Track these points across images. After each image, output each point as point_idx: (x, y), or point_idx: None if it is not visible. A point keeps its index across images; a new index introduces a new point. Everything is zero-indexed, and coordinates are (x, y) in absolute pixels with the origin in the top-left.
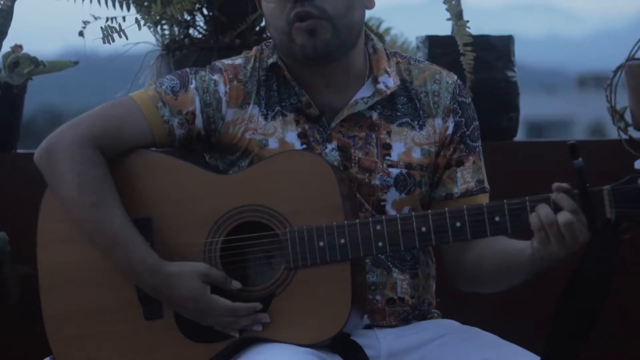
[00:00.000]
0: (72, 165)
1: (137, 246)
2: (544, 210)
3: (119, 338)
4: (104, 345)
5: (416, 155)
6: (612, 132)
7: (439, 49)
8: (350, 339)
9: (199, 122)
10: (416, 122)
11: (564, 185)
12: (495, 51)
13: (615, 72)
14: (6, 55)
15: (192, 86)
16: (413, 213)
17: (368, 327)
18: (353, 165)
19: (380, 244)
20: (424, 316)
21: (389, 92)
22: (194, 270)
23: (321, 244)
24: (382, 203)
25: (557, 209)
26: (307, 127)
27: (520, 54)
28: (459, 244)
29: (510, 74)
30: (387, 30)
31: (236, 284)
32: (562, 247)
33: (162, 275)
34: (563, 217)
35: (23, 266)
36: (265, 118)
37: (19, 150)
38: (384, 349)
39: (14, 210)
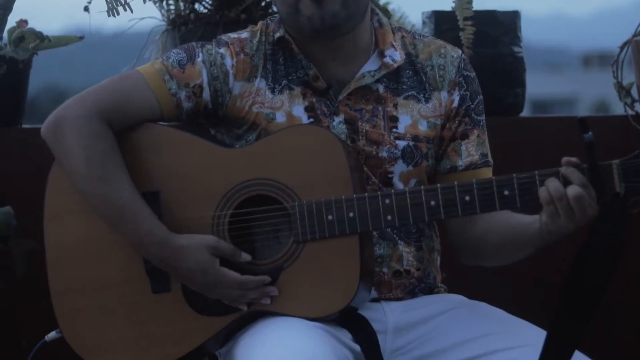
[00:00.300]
0: (79, 138)
1: (145, 218)
2: (553, 183)
3: (126, 311)
4: (111, 319)
5: (422, 127)
6: (618, 111)
7: (445, 25)
8: (357, 313)
9: (206, 94)
10: (422, 95)
11: (573, 159)
12: (502, 26)
13: (622, 48)
14: (11, 30)
15: (199, 59)
16: (422, 187)
17: (375, 300)
18: (360, 137)
19: (389, 217)
20: (430, 290)
21: (395, 65)
22: (203, 242)
23: (330, 217)
24: (390, 175)
25: (566, 182)
26: (314, 100)
27: (525, 32)
28: (465, 217)
29: (516, 49)
30: (386, 4)
31: (245, 257)
32: (570, 221)
33: (171, 248)
34: (572, 190)
35: (28, 241)
36: (272, 92)
37: (24, 126)
38: (390, 322)
39: (20, 185)
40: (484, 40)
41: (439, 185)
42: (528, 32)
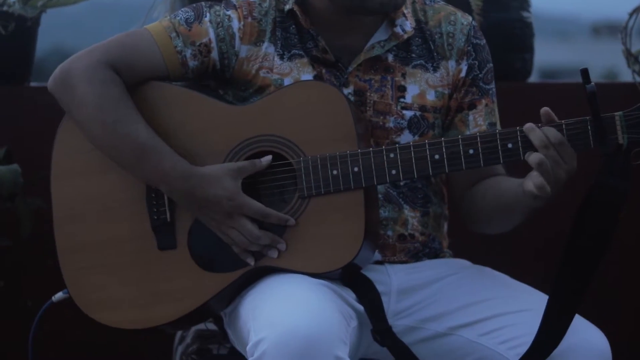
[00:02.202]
0: (91, 86)
1: (166, 154)
2: (551, 130)
3: (132, 268)
4: (117, 276)
5: (430, 97)
6: (626, 79)
7: None
8: (362, 274)
9: (215, 54)
10: (430, 64)
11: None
12: None
13: (631, 15)
14: None
15: (207, 19)
16: (426, 141)
17: (379, 262)
18: (368, 108)
19: (393, 171)
20: (435, 254)
21: (405, 36)
22: (225, 168)
23: (334, 172)
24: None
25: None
26: (323, 70)
27: (535, 0)
28: (464, 182)
29: (525, 14)
30: None
31: (266, 159)
32: (560, 170)
33: (196, 177)
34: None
35: (35, 199)
36: (281, 58)
37: (32, 84)
38: (394, 284)
39: (27, 144)
40: (494, 5)
41: (443, 139)
42: (538, 0)
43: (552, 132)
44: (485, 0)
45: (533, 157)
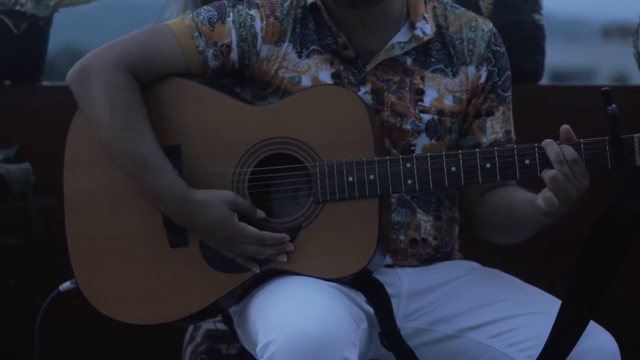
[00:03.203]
0: (105, 89)
1: (166, 173)
2: (568, 148)
3: (143, 264)
4: (127, 271)
5: (448, 102)
6: (637, 82)
7: None
8: (372, 277)
9: (234, 55)
10: (449, 69)
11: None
12: None
13: None
14: None
15: (230, 19)
16: (443, 152)
17: (389, 266)
18: (385, 109)
19: (409, 181)
20: (446, 258)
21: (425, 39)
22: (222, 197)
23: (350, 179)
24: (412, 148)
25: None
26: (341, 68)
27: (546, 3)
28: (475, 189)
29: (537, 16)
30: None
31: (260, 213)
32: (572, 187)
33: (190, 203)
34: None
35: (46, 198)
36: (300, 56)
37: (43, 83)
38: (404, 287)
39: (38, 143)
40: (505, 7)
41: (460, 151)
42: (549, 3)
43: (568, 150)
44: (496, 3)
45: (548, 173)
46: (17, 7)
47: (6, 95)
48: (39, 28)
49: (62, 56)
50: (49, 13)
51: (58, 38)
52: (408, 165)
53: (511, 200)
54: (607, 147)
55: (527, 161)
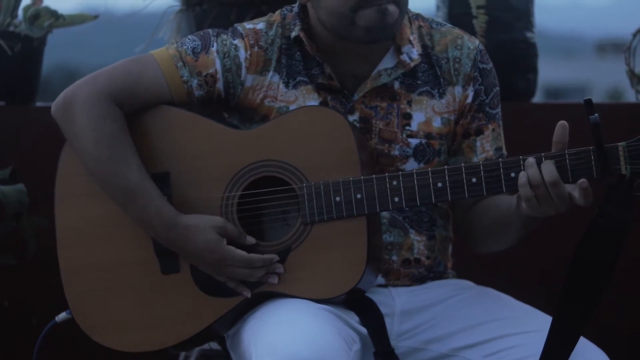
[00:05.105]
0: (89, 120)
1: (153, 200)
2: (549, 167)
3: (136, 292)
4: (120, 299)
5: (436, 124)
6: (630, 99)
7: (459, 9)
8: (365, 296)
9: (220, 84)
10: (436, 90)
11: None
12: (515, 12)
13: (634, 35)
14: (26, 8)
15: (214, 49)
16: (429, 169)
17: (382, 286)
18: (373, 136)
19: (396, 199)
20: (439, 277)
21: (412, 64)
22: (210, 222)
23: (337, 198)
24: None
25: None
26: (329, 97)
27: (540, 18)
28: (466, 202)
29: (529, 34)
30: None
31: (250, 240)
32: (549, 207)
33: (179, 228)
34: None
35: (40, 219)
36: (287, 86)
37: (37, 104)
38: (398, 306)
39: (32, 163)
40: (497, 26)
41: (446, 167)
42: (543, 19)
43: (548, 170)
44: (489, 22)
45: (523, 191)
46: (11, 28)
47: (0, 116)
48: (33, 49)
49: (56, 75)
50: (42, 34)
51: (52, 57)
52: (394, 183)
53: (497, 201)
54: (592, 157)
55: (512, 174)
